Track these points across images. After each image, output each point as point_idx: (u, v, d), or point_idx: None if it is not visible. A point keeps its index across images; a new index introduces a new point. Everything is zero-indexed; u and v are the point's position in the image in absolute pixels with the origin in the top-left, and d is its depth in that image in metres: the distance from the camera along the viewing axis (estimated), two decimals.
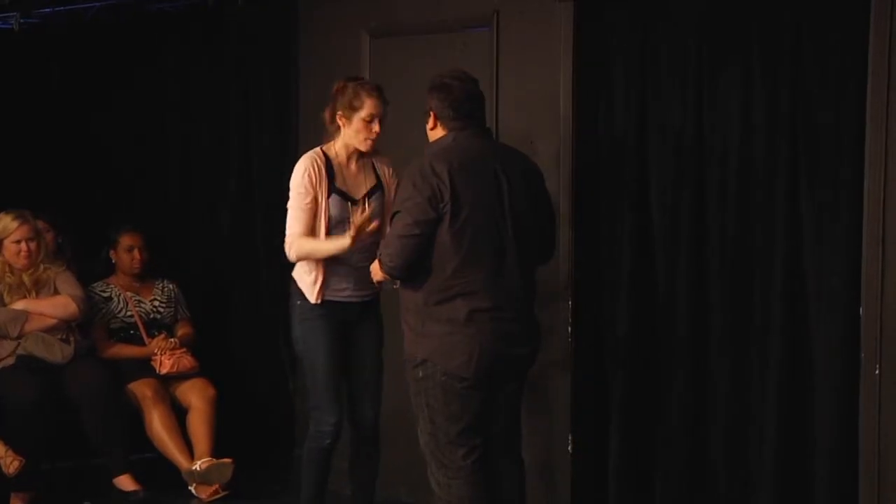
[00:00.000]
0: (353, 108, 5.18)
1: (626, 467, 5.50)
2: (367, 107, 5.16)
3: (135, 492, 6.31)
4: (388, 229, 4.93)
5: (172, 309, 6.85)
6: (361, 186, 5.27)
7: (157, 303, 6.81)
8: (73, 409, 6.28)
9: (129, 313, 6.72)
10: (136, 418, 6.49)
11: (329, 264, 5.18)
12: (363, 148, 5.22)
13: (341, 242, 5.09)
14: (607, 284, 5.50)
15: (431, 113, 4.82)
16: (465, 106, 4.79)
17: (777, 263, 5.08)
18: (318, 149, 5.27)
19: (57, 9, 6.96)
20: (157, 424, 6.45)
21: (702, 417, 5.33)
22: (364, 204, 5.20)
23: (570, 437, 5.60)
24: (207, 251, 7.21)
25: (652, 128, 5.35)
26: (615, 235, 5.47)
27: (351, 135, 5.21)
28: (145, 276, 6.87)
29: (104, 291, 6.74)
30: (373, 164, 5.33)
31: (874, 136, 4.79)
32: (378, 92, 5.20)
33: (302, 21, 6.62)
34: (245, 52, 6.96)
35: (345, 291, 5.25)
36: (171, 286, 6.91)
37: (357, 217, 5.07)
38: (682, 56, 5.25)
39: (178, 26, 7.15)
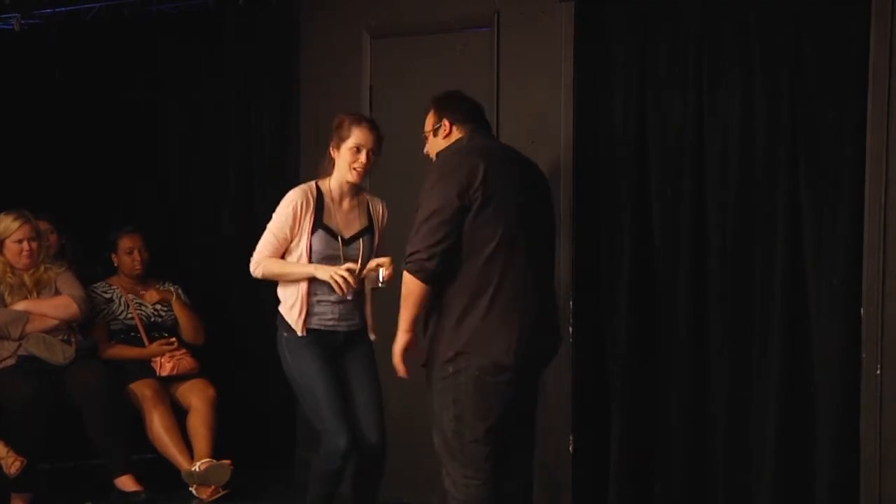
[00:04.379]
0: (341, 139, 5.19)
1: (627, 467, 5.51)
2: (355, 136, 5.17)
3: (135, 492, 6.31)
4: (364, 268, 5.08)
5: (174, 312, 6.85)
6: (352, 226, 5.27)
7: (158, 306, 6.82)
8: (75, 410, 6.30)
9: (129, 315, 6.73)
10: (136, 419, 6.52)
11: (313, 298, 5.20)
12: (349, 177, 5.20)
13: (314, 270, 5.12)
14: (607, 285, 5.51)
15: (445, 121, 4.86)
16: (474, 111, 4.90)
17: (778, 264, 5.10)
18: (312, 182, 5.28)
19: (57, 9, 6.98)
20: (157, 425, 6.47)
21: (702, 418, 5.35)
22: (360, 247, 5.22)
23: (571, 438, 5.61)
24: (208, 252, 7.22)
25: (652, 128, 5.37)
26: (615, 236, 5.48)
27: (341, 166, 5.21)
28: (147, 278, 6.88)
29: (106, 292, 6.75)
30: (368, 204, 5.33)
31: (875, 135, 4.82)
32: (368, 122, 5.23)
33: (302, 21, 6.64)
34: (246, 53, 6.99)
35: (330, 322, 5.25)
36: (173, 289, 6.90)
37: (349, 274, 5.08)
38: (682, 56, 5.27)
39: (178, 27, 7.16)
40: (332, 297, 5.19)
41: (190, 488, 6.35)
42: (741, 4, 5.11)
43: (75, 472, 6.63)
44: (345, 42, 6.34)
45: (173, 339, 6.68)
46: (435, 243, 4.62)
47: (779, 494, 5.13)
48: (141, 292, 6.83)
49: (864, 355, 4.89)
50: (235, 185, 7.03)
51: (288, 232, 5.20)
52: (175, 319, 6.85)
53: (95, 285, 6.75)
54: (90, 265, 6.94)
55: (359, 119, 5.24)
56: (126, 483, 6.34)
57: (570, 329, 5.55)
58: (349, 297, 5.15)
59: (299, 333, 5.20)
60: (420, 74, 5.89)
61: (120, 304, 6.74)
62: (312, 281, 5.17)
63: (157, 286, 6.89)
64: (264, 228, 5.31)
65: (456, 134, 4.86)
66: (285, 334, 5.25)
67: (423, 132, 4.94)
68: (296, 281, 5.19)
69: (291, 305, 5.21)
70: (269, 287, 6.69)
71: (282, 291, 5.27)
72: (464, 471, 4.75)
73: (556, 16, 5.54)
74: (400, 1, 6.17)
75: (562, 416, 5.62)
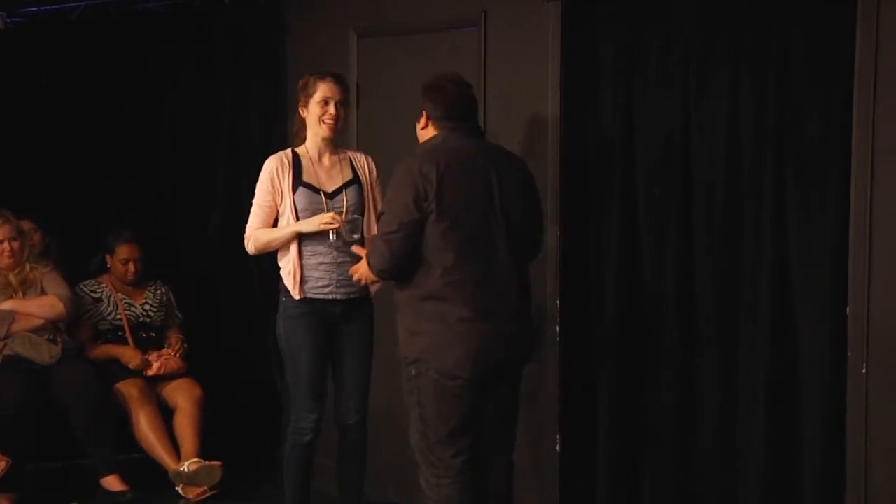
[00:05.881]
0: (308, 96, 5.28)
1: (614, 466, 5.52)
2: (321, 90, 5.25)
3: (122, 492, 6.35)
4: (368, 224, 5.14)
5: (163, 313, 6.90)
6: (335, 180, 5.31)
7: (147, 307, 6.86)
8: (61, 410, 6.31)
9: (118, 316, 6.75)
10: (122, 419, 6.53)
11: (304, 258, 5.24)
12: (323, 132, 5.27)
13: (297, 226, 5.20)
14: (595, 284, 5.51)
15: (424, 113, 4.86)
16: (458, 108, 4.84)
17: (764, 263, 5.11)
18: (288, 149, 5.35)
19: (43, 8, 6.97)
20: (144, 425, 6.49)
21: (689, 417, 5.35)
22: (345, 198, 5.25)
23: (557, 437, 5.61)
24: (196, 252, 7.24)
25: (640, 128, 5.37)
26: (602, 235, 5.48)
27: (313, 123, 5.28)
28: (138, 281, 6.91)
29: (95, 292, 6.77)
30: (350, 159, 5.38)
31: (860, 136, 4.82)
32: (332, 76, 5.29)
33: (290, 21, 6.68)
34: (234, 52, 7.00)
35: (327, 288, 5.27)
36: (163, 290, 6.95)
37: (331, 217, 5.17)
38: (670, 56, 5.27)
39: (165, 26, 7.17)
40: (328, 259, 5.23)
41: (176, 488, 6.37)
42: (729, 4, 5.13)
43: (61, 472, 6.64)
44: (332, 41, 6.36)
45: (150, 361, 6.69)
46: (396, 261, 4.71)
47: (765, 493, 5.15)
48: (131, 292, 6.87)
49: (850, 354, 4.90)
50: (224, 186, 7.05)
51: (271, 199, 5.27)
52: (163, 320, 6.88)
53: (85, 283, 6.78)
54: (82, 263, 6.94)
55: (322, 74, 5.31)
56: (112, 483, 6.37)
57: (557, 329, 5.55)
58: (345, 237, 5.17)
59: (296, 297, 5.24)
60: (408, 74, 5.87)
61: (109, 305, 6.75)
62: (303, 242, 5.22)
63: (149, 287, 6.92)
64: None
65: (431, 130, 4.86)
66: (283, 299, 5.32)
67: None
68: (287, 245, 5.24)
69: (288, 271, 5.26)
70: (257, 289, 6.76)
71: (279, 259, 5.32)
72: (434, 470, 4.80)
73: (544, 15, 5.54)
74: (388, 1, 6.18)
75: (549, 415, 5.62)
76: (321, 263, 5.23)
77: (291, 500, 5.45)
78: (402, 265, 4.72)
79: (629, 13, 5.37)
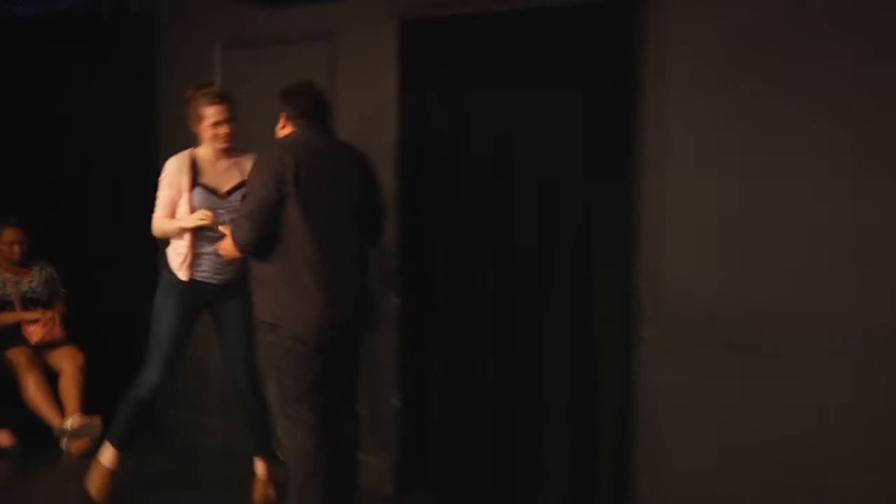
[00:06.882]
0: (200, 118, 5.54)
1: (445, 418, 5.84)
2: (211, 115, 5.52)
3: (10, 447, 6.69)
4: None
5: (48, 290, 7.20)
6: (229, 182, 5.60)
7: (34, 283, 7.16)
8: None
9: (7, 292, 7.07)
10: (12, 382, 6.80)
11: (196, 248, 5.58)
12: (218, 145, 5.56)
13: (179, 222, 5.53)
14: (430, 263, 5.82)
15: (283, 114, 5.12)
16: (312, 109, 5.11)
17: (567, 246, 5.41)
18: (189, 150, 5.60)
19: None
20: (32, 388, 6.79)
21: (506, 376, 5.64)
22: (238, 198, 5.51)
23: (396, 393, 5.97)
24: (78, 231, 7.42)
25: (473, 128, 5.62)
26: (436, 218, 5.79)
27: (206, 138, 5.59)
28: (24, 261, 7.20)
29: None
30: (240, 164, 5.63)
31: (649, 132, 5.04)
32: (218, 97, 5.50)
33: (163, 33, 6.92)
34: (111, 60, 7.19)
35: (204, 273, 5.65)
36: (48, 269, 7.24)
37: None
38: (490, 64, 5.54)
39: (45, 32, 7.31)
40: (207, 250, 5.55)
41: (61, 444, 6.65)
42: (533, 25, 5.33)
43: None
44: (200, 52, 6.61)
45: (37, 316, 7.00)
46: (257, 236, 4.95)
47: (571, 446, 5.47)
48: (18, 271, 7.13)
49: (643, 325, 5.14)
50: (103, 181, 7.29)
51: (171, 194, 5.54)
52: (49, 295, 7.18)
53: None
54: None
55: (210, 98, 5.48)
56: (1, 439, 6.70)
57: (398, 300, 5.89)
58: (219, 230, 5.42)
59: (183, 278, 5.57)
60: (266, 82, 6.06)
61: None
62: (196, 235, 5.52)
63: (34, 267, 7.18)
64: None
65: (289, 128, 5.09)
66: (166, 275, 5.65)
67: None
68: (182, 235, 5.54)
69: (179, 253, 5.58)
70: (133, 266, 6.95)
71: (173, 244, 5.63)
72: (290, 422, 5.03)
73: (383, 29, 5.81)
74: (248, 15, 6.39)
75: (388, 373, 5.94)
76: (202, 254, 5.59)
77: (114, 435, 5.79)
78: (261, 240, 4.94)
79: (459, 28, 5.61)
